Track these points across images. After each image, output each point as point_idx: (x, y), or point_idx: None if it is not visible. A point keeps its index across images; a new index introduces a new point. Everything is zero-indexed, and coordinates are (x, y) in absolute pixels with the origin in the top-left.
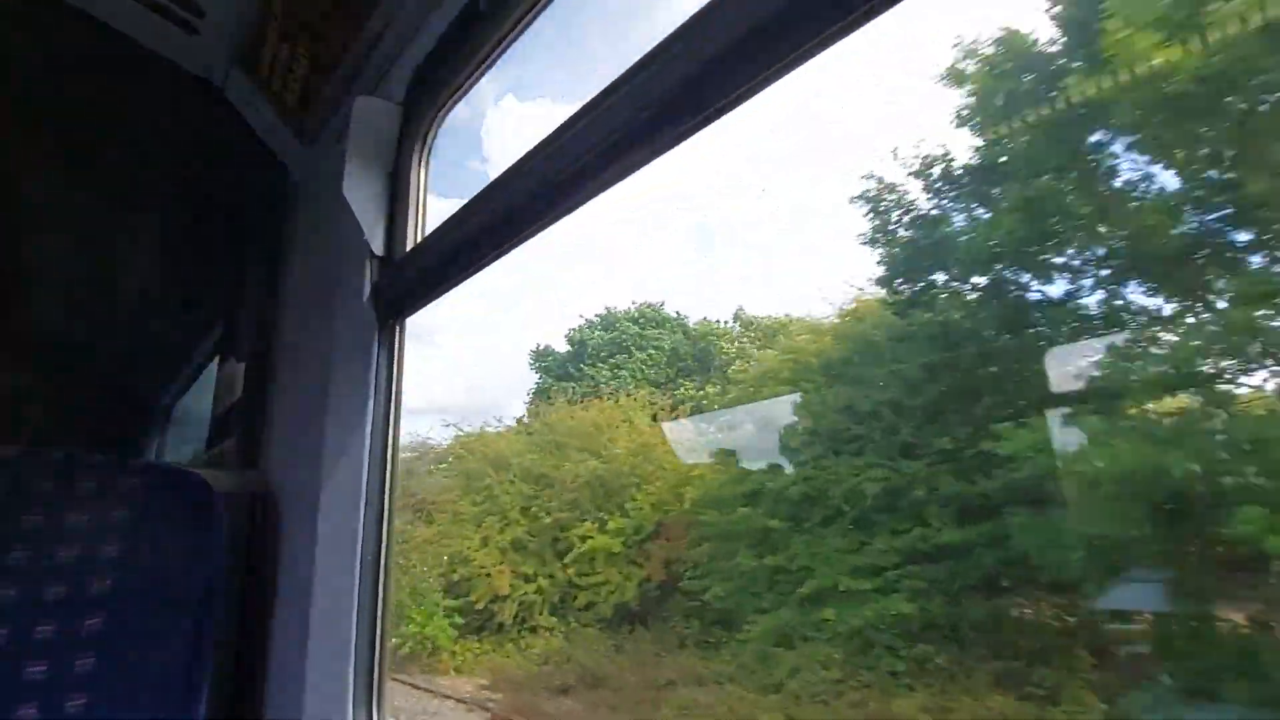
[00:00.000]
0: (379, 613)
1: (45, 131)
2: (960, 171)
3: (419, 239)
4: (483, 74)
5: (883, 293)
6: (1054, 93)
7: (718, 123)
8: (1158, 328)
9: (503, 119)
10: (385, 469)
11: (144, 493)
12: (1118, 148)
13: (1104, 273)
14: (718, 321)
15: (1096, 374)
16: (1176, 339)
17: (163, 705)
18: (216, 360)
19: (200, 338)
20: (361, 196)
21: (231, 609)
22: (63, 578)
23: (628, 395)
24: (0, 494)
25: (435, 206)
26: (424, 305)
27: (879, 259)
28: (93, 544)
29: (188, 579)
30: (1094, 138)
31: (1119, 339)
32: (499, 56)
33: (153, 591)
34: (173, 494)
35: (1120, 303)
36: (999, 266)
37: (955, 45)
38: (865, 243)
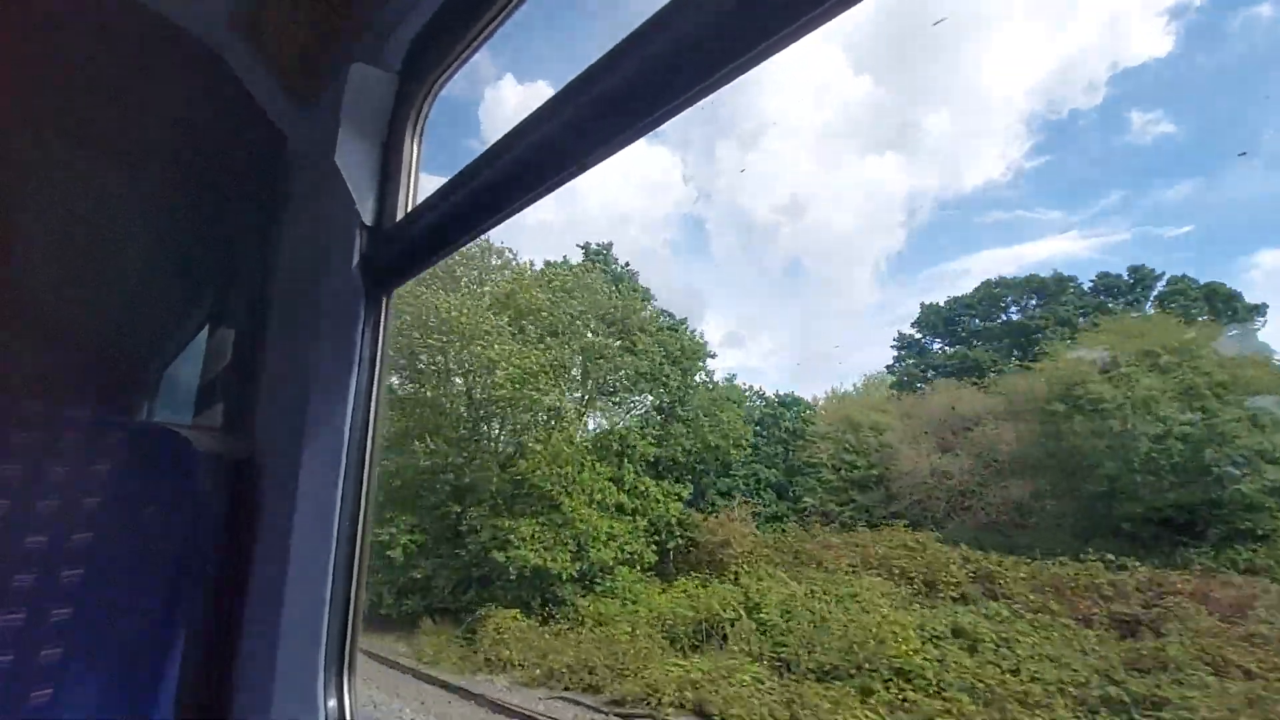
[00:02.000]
0: (354, 578)
1: (40, 89)
2: None
3: (409, 210)
4: (480, 46)
5: None
6: None
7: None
8: None
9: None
10: (366, 438)
11: (126, 448)
12: None
13: None
14: None
15: None
16: None
17: (137, 659)
18: (207, 327)
19: (192, 303)
20: (353, 165)
21: (210, 569)
22: (43, 529)
23: None
24: None
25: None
26: (412, 277)
27: None
28: (73, 497)
29: (166, 534)
30: None
31: None
32: (496, 29)
33: (132, 545)
34: (154, 451)
35: None
36: None
37: None
38: None
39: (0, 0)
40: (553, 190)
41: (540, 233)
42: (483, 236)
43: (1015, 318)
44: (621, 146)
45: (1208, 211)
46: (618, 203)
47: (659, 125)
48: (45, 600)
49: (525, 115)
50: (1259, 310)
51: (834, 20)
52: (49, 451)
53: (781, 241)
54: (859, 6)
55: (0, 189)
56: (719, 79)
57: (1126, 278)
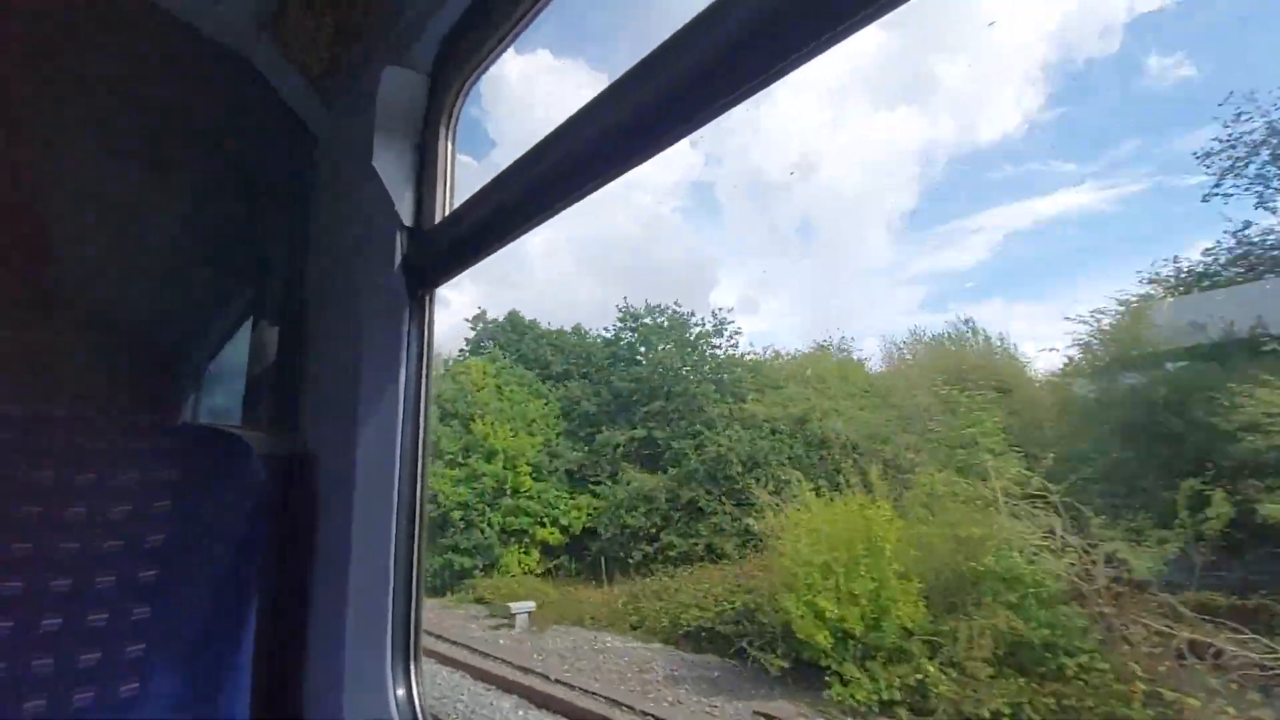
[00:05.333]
0: (414, 571)
1: (76, 97)
2: None
3: (448, 210)
4: (511, 42)
5: None
6: None
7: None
8: None
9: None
10: (418, 434)
11: (188, 453)
12: None
13: None
14: None
15: None
16: None
17: (214, 650)
18: (248, 327)
19: (230, 304)
20: (390, 168)
21: (274, 565)
22: (118, 533)
23: None
24: (57, 454)
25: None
26: (454, 276)
27: None
28: (144, 501)
29: (231, 533)
30: None
31: None
32: (527, 25)
33: (200, 545)
34: (215, 454)
35: None
36: None
37: None
38: None
39: (32, 14)
40: (592, 191)
41: None
42: None
43: None
44: (675, 139)
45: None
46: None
47: (720, 114)
48: (125, 600)
49: (564, 118)
50: None
51: None
52: (120, 459)
53: (793, 201)
54: None
55: (41, 196)
56: (761, 81)
57: None
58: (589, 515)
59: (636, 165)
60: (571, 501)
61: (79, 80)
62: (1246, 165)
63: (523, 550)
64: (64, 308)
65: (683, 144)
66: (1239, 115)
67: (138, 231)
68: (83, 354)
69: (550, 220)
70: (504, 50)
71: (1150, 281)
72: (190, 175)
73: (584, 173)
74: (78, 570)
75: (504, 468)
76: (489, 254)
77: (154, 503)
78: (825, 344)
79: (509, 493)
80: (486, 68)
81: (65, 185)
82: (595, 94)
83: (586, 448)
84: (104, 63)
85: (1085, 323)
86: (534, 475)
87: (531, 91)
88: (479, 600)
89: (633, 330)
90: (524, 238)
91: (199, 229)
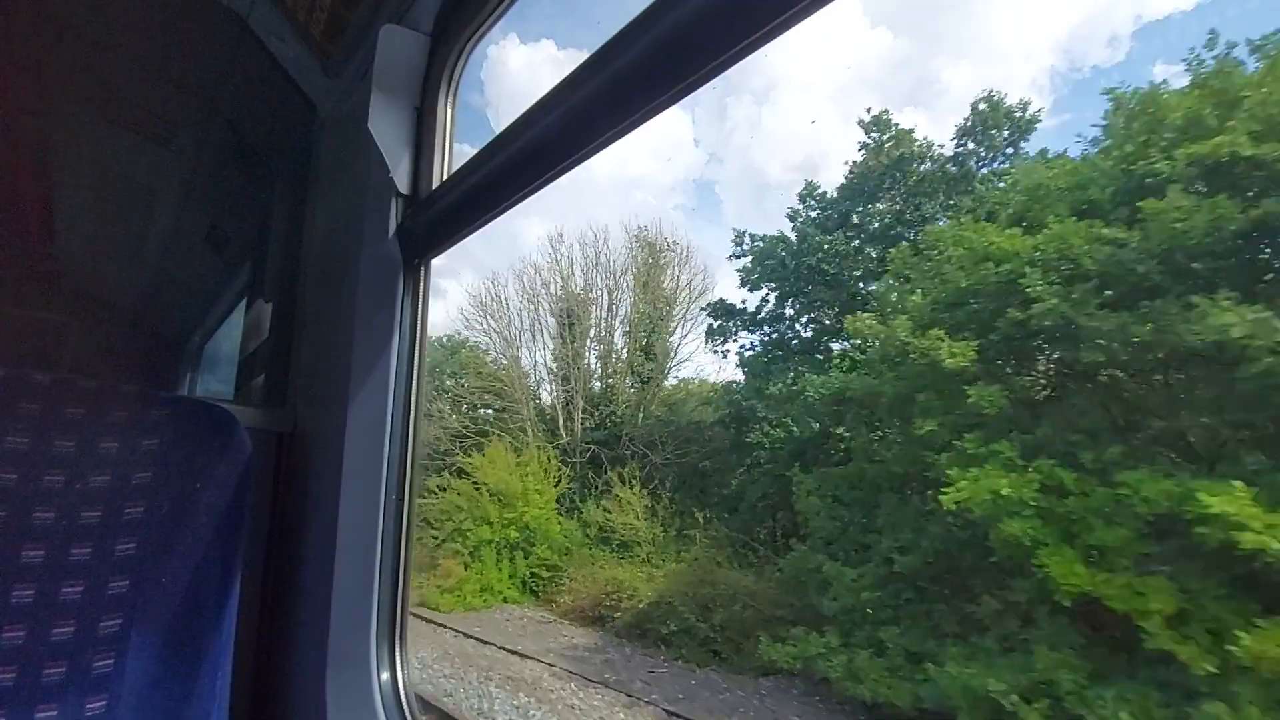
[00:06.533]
0: (401, 549)
1: (72, 69)
2: None
3: (445, 177)
4: (511, 3)
5: None
6: None
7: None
8: None
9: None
10: (409, 408)
11: (172, 423)
12: None
13: None
14: None
15: None
16: None
17: (195, 627)
18: (244, 301)
19: (229, 278)
20: (387, 132)
21: (260, 542)
22: (97, 503)
23: None
24: (35, 419)
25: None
26: (450, 245)
27: None
28: (124, 471)
29: (215, 506)
30: None
31: None
32: None
33: (182, 518)
34: (199, 425)
35: None
36: None
37: None
38: None
39: None
40: (591, 156)
41: (540, 199)
42: None
43: None
44: (668, 104)
45: None
46: (625, 168)
47: (712, 77)
48: (102, 572)
49: (559, 80)
50: None
51: None
52: (100, 427)
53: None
54: None
55: (39, 172)
56: (752, 43)
57: None
58: None
59: (634, 127)
60: None
61: (73, 52)
62: None
63: None
64: (63, 285)
65: (685, 145)
66: None
67: (136, 206)
68: (81, 331)
69: (549, 217)
70: (505, 11)
71: None
72: (189, 149)
73: (586, 131)
74: (52, 540)
75: None
76: (487, 221)
77: (135, 473)
78: None
79: None
80: (489, 27)
81: (62, 164)
82: (590, 54)
83: None
84: (99, 31)
85: None
86: None
87: (531, 86)
88: None
89: None
90: (520, 234)
91: (197, 203)
